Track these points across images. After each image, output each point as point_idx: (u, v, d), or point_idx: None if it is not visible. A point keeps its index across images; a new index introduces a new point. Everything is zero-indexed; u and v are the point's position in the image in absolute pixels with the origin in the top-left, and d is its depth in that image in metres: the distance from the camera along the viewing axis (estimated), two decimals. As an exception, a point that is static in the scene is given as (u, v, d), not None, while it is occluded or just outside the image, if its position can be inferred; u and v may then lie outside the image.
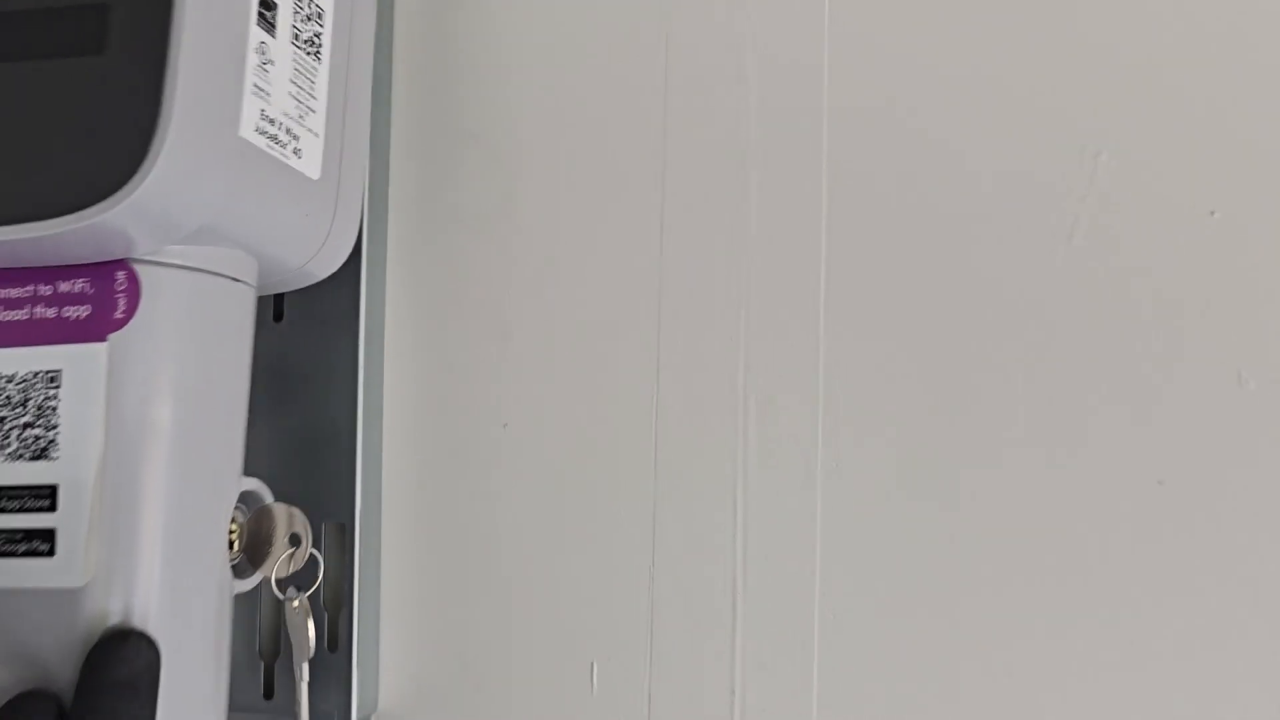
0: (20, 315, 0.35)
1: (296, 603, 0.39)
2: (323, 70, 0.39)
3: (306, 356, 0.44)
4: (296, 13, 0.37)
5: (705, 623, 0.40)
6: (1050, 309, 0.38)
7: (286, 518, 0.39)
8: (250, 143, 0.35)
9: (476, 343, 0.43)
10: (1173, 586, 0.37)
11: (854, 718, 0.39)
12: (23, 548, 0.34)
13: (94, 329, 0.34)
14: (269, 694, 0.44)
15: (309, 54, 0.38)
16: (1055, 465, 0.38)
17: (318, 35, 0.39)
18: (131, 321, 0.34)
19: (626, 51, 0.43)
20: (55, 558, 0.33)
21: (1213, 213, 0.37)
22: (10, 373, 0.34)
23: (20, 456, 0.34)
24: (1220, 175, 0.37)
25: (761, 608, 0.40)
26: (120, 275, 0.34)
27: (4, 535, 0.34)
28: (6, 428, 0.34)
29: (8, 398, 0.34)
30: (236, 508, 0.38)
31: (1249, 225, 0.37)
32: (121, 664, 0.33)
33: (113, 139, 0.31)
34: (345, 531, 0.44)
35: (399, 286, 0.44)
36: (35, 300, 0.35)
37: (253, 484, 0.39)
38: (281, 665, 0.44)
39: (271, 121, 0.36)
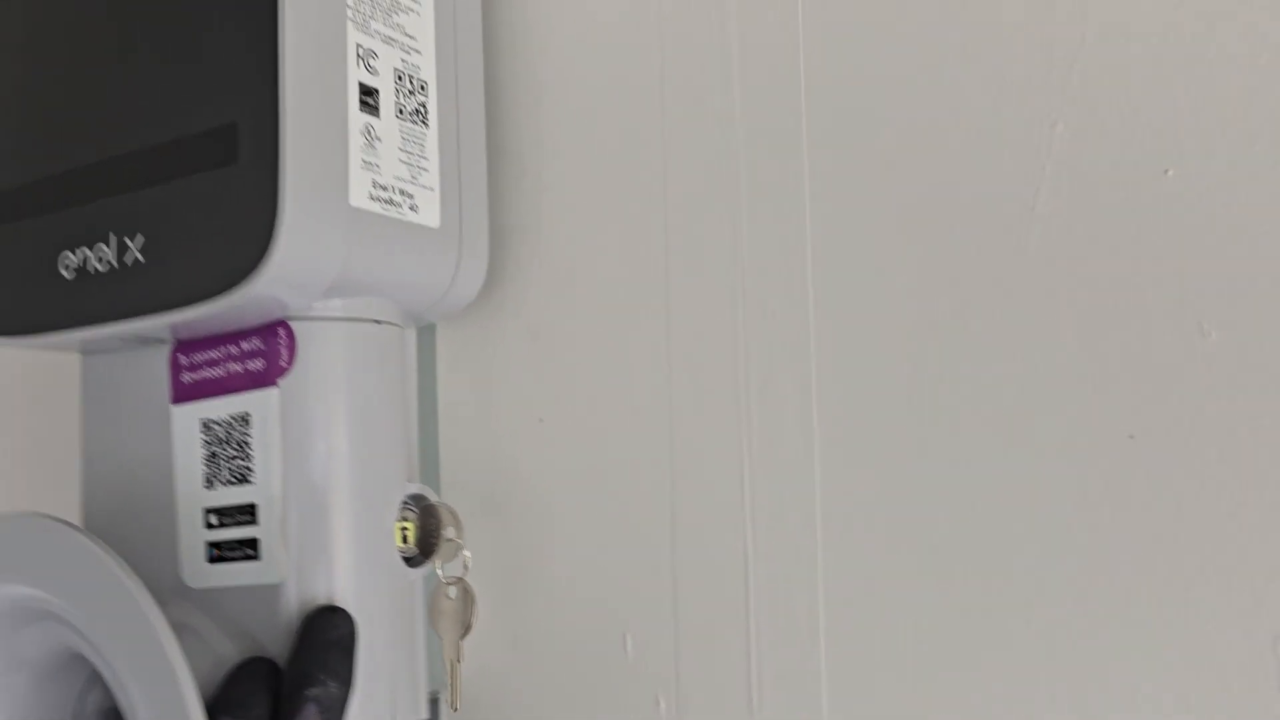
0: (219, 372, 0.44)
1: (453, 590, 0.47)
2: (431, 134, 0.46)
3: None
4: (399, 92, 0.44)
5: (722, 592, 0.43)
6: (1019, 273, 0.39)
7: (450, 516, 0.47)
8: (363, 210, 0.42)
9: (514, 347, 0.49)
10: (1145, 535, 0.37)
11: (859, 674, 0.41)
12: (238, 554, 0.43)
13: (267, 376, 0.43)
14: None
15: (415, 123, 0.45)
16: (1032, 425, 0.39)
17: (423, 105, 0.46)
18: (293, 368, 0.43)
19: (627, 81, 0.48)
20: (260, 561, 0.42)
21: (1167, 171, 0.37)
22: (218, 417, 0.44)
23: (230, 483, 0.43)
24: (1173, 136, 0.37)
25: (771, 577, 0.43)
26: (281, 332, 0.43)
27: (224, 545, 0.43)
28: (219, 461, 0.44)
29: (218, 437, 0.44)
30: (407, 507, 0.46)
31: (1203, 182, 0.37)
32: (333, 628, 0.41)
33: (249, 229, 0.39)
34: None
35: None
36: (227, 358, 0.44)
37: (419, 487, 0.47)
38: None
39: (384, 188, 0.43)
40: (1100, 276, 0.38)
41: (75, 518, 0.47)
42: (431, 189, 0.46)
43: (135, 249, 0.42)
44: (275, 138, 0.39)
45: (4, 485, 0.61)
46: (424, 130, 0.46)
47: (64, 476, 0.49)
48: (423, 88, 0.46)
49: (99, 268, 0.43)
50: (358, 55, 0.43)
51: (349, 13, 0.42)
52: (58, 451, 0.51)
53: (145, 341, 0.45)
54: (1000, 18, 0.40)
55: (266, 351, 0.43)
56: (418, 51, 0.46)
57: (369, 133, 0.43)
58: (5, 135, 0.46)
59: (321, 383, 0.43)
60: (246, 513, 0.43)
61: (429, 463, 0.50)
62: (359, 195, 0.42)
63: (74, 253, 0.43)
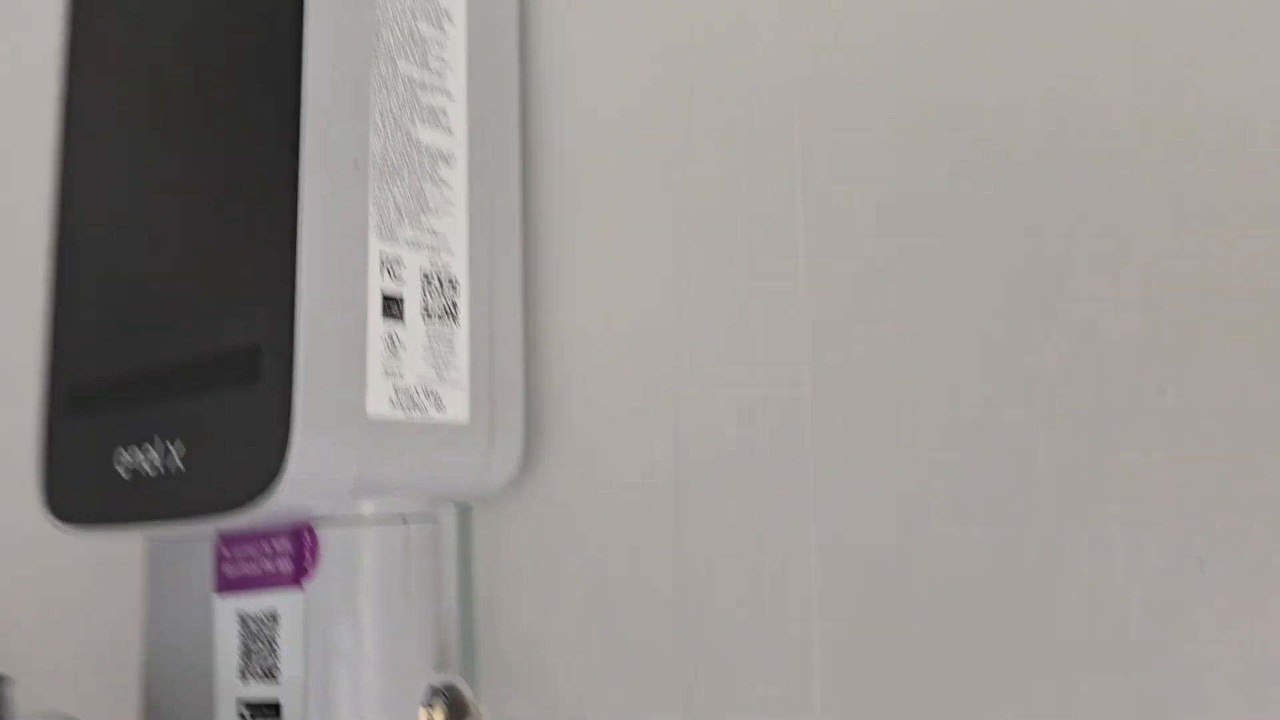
0: (255, 569, 0.46)
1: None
2: (461, 331, 0.47)
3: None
4: (427, 293, 0.46)
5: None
6: (1015, 498, 0.37)
7: (476, 710, 0.47)
8: (382, 419, 0.43)
9: (548, 533, 0.49)
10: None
11: None
12: (264, 752, 0.44)
13: (295, 578, 0.44)
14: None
15: (444, 321, 0.46)
16: (1031, 657, 0.36)
17: (453, 304, 0.47)
18: (316, 572, 0.44)
19: (651, 274, 0.47)
20: (283, 761, 0.44)
21: (1161, 390, 0.34)
22: (252, 612, 0.45)
23: (260, 678, 0.45)
24: (1167, 352, 0.35)
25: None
26: (306, 536, 0.44)
27: (253, 741, 0.45)
28: (252, 655, 0.45)
29: (251, 632, 0.45)
30: (438, 696, 0.47)
31: (1197, 403, 0.34)
32: None
33: (266, 447, 0.41)
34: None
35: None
36: (262, 555, 0.46)
37: (447, 678, 0.47)
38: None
39: (405, 393, 0.44)
40: (1097, 503, 0.36)
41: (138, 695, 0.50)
42: (460, 385, 0.46)
43: (177, 456, 0.44)
44: (292, 360, 0.41)
45: (78, 666, 0.65)
46: (453, 328, 0.47)
47: (131, 656, 0.52)
48: (453, 285, 0.47)
49: (148, 470, 0.45)
50: (381, 264, 0.44)
51: (373, 223, 0.44)
52: (127, 632, 0.54)
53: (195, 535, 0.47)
54: (1000, 230, 0.39)
55: (294, 553, 0.44)
56: (449, 250, 0.47)
57: (391, 340, 0.44)
58: (80, 336, 0.50)
59: (345, 587, 0.44)
60: (273, 710, 0.44)
61: (466, 642, 0.51)
62: (378, 404, 0.43)
63: (127, 451, 0.46)
